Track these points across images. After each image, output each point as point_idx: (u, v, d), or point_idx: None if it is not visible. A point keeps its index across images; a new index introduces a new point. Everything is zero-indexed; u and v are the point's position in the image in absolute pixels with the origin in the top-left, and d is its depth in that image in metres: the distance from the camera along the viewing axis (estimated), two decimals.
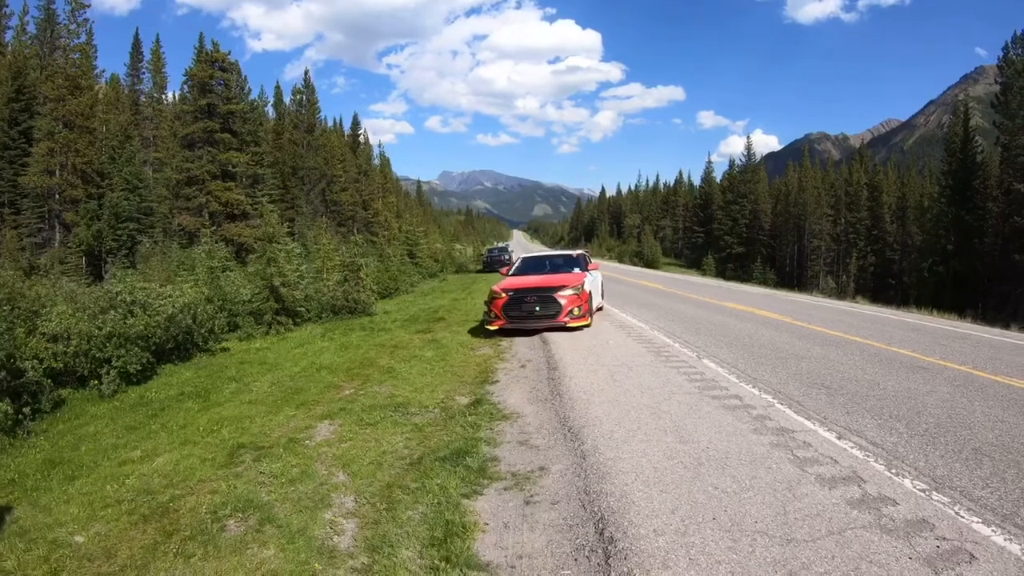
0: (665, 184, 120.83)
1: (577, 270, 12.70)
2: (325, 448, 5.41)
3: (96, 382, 8.73)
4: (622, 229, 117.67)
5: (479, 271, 41.16)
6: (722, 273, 65.99)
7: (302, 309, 15.09)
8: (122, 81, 48.00)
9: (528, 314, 10.75)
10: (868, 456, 4.41)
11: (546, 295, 10.83)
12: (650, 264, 76.08)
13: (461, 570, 3.25)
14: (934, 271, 45.90)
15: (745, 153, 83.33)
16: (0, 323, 7.62)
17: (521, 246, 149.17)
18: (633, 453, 4.66)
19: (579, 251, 15.04)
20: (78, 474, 5.37)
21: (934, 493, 3.76)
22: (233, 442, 5.76)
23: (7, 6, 41.92)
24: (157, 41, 50.28)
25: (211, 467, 5.15)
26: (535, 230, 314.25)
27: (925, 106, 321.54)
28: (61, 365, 8.51)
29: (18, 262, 22.95)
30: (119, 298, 10.13)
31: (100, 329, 9.12)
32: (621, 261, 79.16)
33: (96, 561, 3.68)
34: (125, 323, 9.45)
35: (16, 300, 9.91)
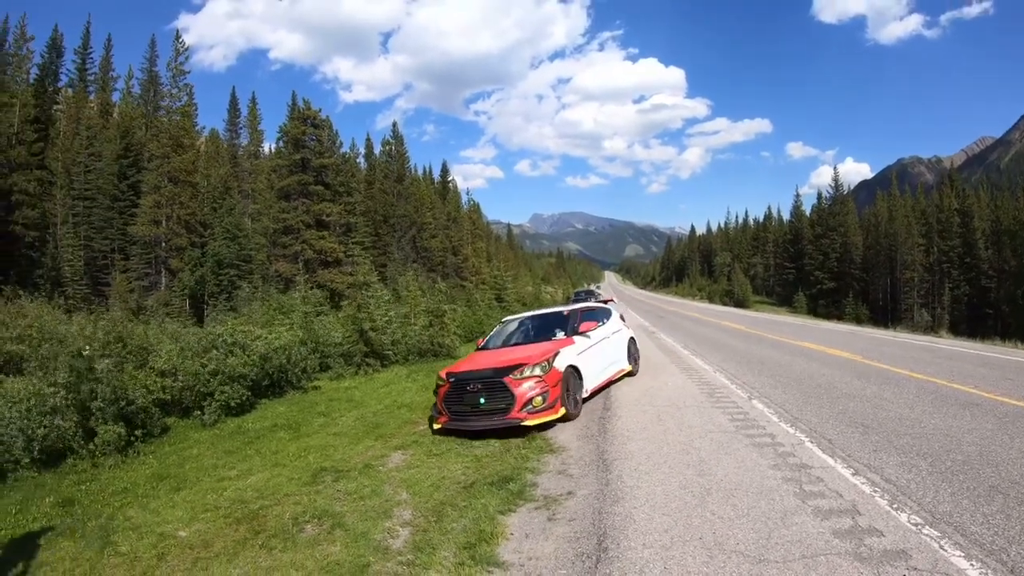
0: (754, 220, 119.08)
1: (559, 334, 9.58)
2: (395, 473, 6.42)
3: (199, 412, 9.91)
4: (713, 268, 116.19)
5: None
6: (813, 310, 64.00)
7: (389, 352, 16.02)
8: (221, 136, 52.65)
9: (472, 408, 7.90)
10: (875, 492, 4.66)
11: (492, 381, 7.88)
12: (740, 304, 74.56)
13: (482, 566, 4.06)
14: None
15: (832, 184, 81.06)
16: (106, 360, 8.68)
17: (612, 287, 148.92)
18: (651, 482, 5.19)
19: (577, 305, 11.89)
20: (182, 486, 6.50)
21: (926, 527, 3.96)
22: (317, 466, 6.78)
23: (113, 69, 47.14)
24: (253, 99, 55.17)
25: (296, 485, 6.18)
26: (626, 271, 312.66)
27: (1019, 120, 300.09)
28: (169, 397, 9.68)
29: (127, 303, 25.58)
30: (220, 339, 11.24)
31: (204, 367, 10.28)
32: (711, 301, 78.05)
33: (196, 549, 4.71)
34: (226, 362, 10.57)
35: (126, 339, 11.34)
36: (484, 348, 10.17)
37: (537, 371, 7.86)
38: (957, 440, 5.89)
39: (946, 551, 3.63)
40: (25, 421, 7.19)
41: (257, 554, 4.54)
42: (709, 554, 3.75)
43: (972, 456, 5.36)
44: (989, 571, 3.37)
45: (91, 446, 7.54)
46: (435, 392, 8.58)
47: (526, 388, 7.70)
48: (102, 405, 7.85)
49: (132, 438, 8.05)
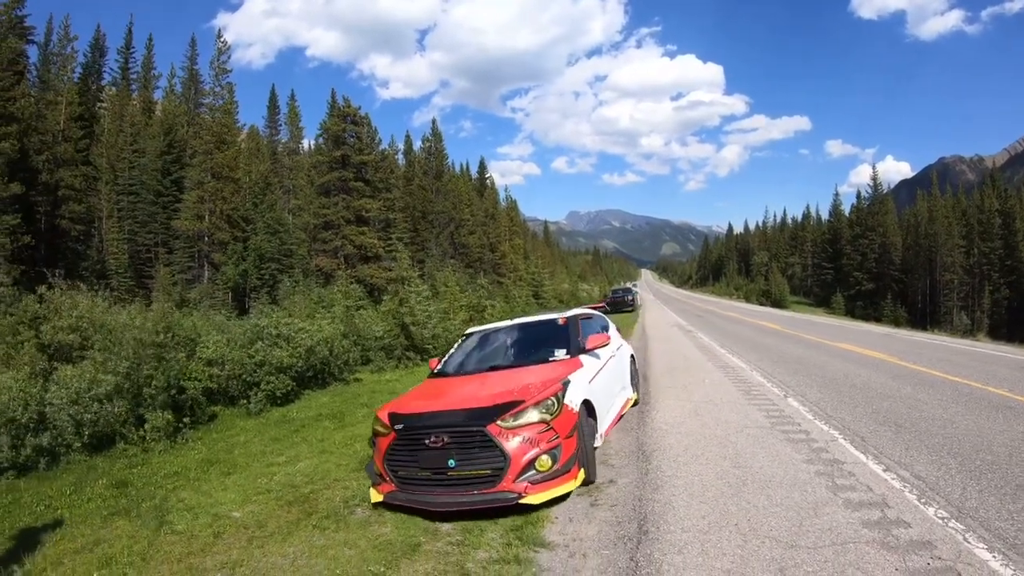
0: (793, 219, 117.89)
1: (559, 353, 6.62)
2: None
3: (245, 401, 10.36)
4: (750, 267, 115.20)
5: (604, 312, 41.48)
6: (851, 311, 63.11)
7: (430, 346, 16.33)
8: (261, 132, 53.92)
9: (434, 474, 5.05)
10: (905, 487, 4.85)
11: (468, 432, 5.04)
12: (777, 304, 73.81)
13: (528, 546, 4.34)
14: None
15: (871, 184, 79.65)
16: (162, 350, 9.16)
17: (649, 286, 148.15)
18: (689, 473, 5.48)
19: (574, 311, 7.97)
20: (232, 471, 6.86)
21: (952, 521, 4.14)
22: (364, 454, 7.00)
23: (155, 67, 48.60)
24: (292, 97, 56.34)
25: (345, 471, 6.48)
26: (663, 269, 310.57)
27: None
28: (216, 386, 10.12)
29: (171, 296, 26.45)
30: (266, 331, 11.68)
31: (251, 357, 10.75)
32: (748, 301, 77.45)
33: (250, 529, 5.01)
34: (272, 353, 11.01)
35: (174, 329, 11.87)
36: (443, 373, 7.06)
37: (540, 413, 5.06)
38: (988, 441, 6.00)
39: (970, 543, 3.81)
40: (76, 407, 7.55)
41: (311, 534, 4.80)
42: (744, 538, 4.03)
43: (1002, 456, 5.48)
44: (1011, 563, 3.53)
45: (141, 432, 7.95)
46: (371, 443, 5.80)
47: (524, 442, 4.90)
48: (154, 392, 8.29)
49: (181, 425, 8.49)
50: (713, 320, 30.50)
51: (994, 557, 3.62)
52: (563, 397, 5.27)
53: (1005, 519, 4.15)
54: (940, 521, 4.18)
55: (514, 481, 4.81)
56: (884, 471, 5.28)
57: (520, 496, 4.78)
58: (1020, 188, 76.35)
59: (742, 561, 3.74)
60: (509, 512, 4.86)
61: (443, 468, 4.98)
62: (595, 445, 5.92)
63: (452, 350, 7.69)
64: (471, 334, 8.04)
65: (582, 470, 5.25)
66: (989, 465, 5.28)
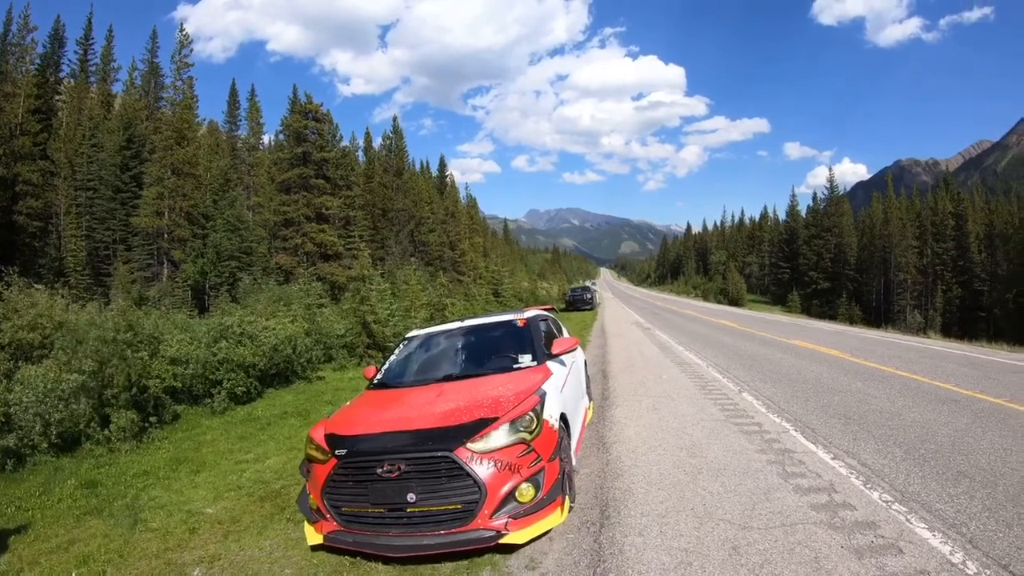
0: (751, 219, 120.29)
1: (524, 360, 5.76)
2: None
3: (209, 400, 10.25)
4: (708, 266, 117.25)
5: (561, 310, 41.80)
6: (807, 310, 64.73)
7: (391, 344, 16.28)
8: (221, 127, 52.89)
9: (390, 510, 4.10)
10: (851, 473, 5.08)
11: (429, 459, 4.13)
12: (735, 302, 75.24)
13: None
14: (1018, 302, 43.40)
15: (828, 185, 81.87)
16: (127, 349, 8.96)
17: (608, 284, 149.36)
18: (647, 462, 5.66)
19: (530, 313, 7.07)
20: (201, 469, 6.85)
21: (895, 504, 4.36)
22: None
23: (114, 60, 47.36)
24: (253, 92, 55.42)
25: None
26: (622, 267, 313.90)
27: (1016, 124, 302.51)
28: (180, 384, 9.99)
29: (130, 294, 25.85)
30: (230, 330, 11.58)
31: (214, 355, 10.64)
32: (706, 299, 78.64)
33: (225, 524, 5.05)
34: (235, 351, 10.92)
35: (136, 328, 11.65)
36: (384, 384, 5.96)
37: (518, 432, 4.23)
38: (933, 432, 6.28)
39: (912, 524, 4.03)
40: (42, 406, 7.42)
41: (286, 527, 4.88)
42: (699, 521, 4.21)
43: (945, 446, 5.75)
44: (949, 541, 3.75)
45: (106, 432, 7.85)
46: (303, 470, 4.81)
47: (502, 469, 4.07)
48: (117, 391, 8.19)
49: (146, 424, 8.39)
50: (671, 318, 30.99)
51: (934, 535, 3.85)
52: (542, 412, 4.44)
53: (945, 501, 4.39)
54: (884, 504, 4.39)
55: (491, 517, 3.97)
56: (832, 459, 5.52)
57: (500, 535, 3.96)
58: (973, 191, 79.42)
59: (698, 541, 3.91)
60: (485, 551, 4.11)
61: (401, 504, 4.03)
62: (572, 466, 5.13)
63: (392, 356, 6.51)
64: (413, 337, 6.88)
65: (567, 498, 4.49)
66: (932, 454, 5.54)
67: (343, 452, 4.28)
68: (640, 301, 61.92)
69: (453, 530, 3.96)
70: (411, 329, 8.36)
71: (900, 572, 3.41)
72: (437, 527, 3.99)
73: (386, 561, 4.08)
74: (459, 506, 3.98)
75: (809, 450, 5.84)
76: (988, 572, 3.38)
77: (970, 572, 3.38)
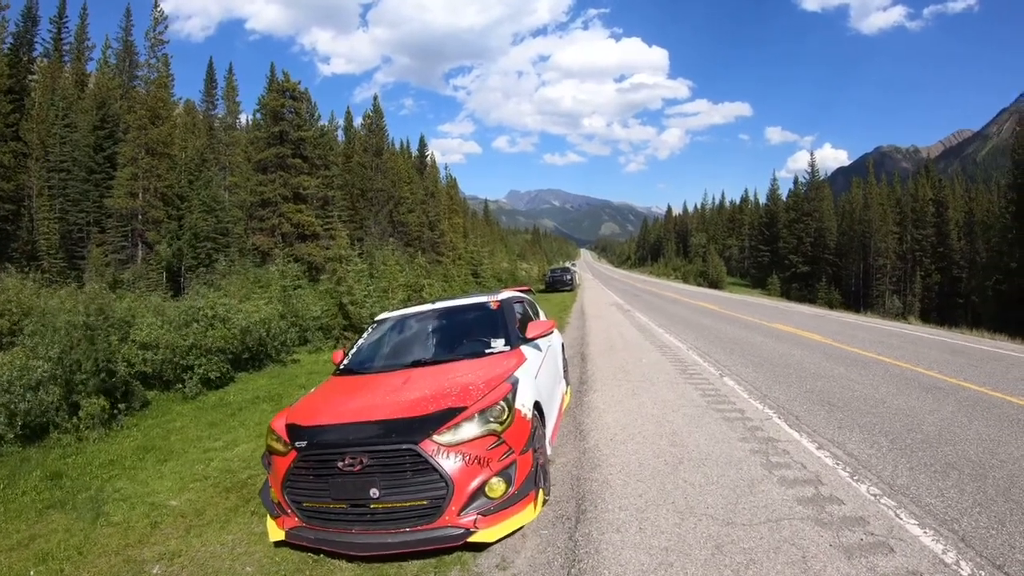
0: (731, 202, 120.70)
1: (496, 345, 5.48)
2: None
3: (180, 385, 9.92)
4: (688, 248, 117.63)
5: (540, 291, 41.51)
6: (787, 293, 65.16)
7: (367, 326, 15.97)
8: (197, 107, 51.73)
9: (352, 506, 3.86)
10: (838, 464, 4.91)
11: (393, 452, 3.84)
12: (714, 284, 75.55)
13: None
14: (997, 290, 43.98)
15: (809, 170, 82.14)
16: (98, 333, 8.67)
17: (588, 265, 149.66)
18: (626, 451, 5.44)
19: (503, 295, 6.68)
20: (169, 458, 6.57)
21: (884, 498, 4.20)
22: None
23: (88, 39, 45.98)
24: (230, 71, 54.21)
25: None
26: (602, 249, 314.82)
27: (997, 115, 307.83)
28: (150, 370, 9.72)
29: (103, 276, 25.28)
30: (201, 312, 11.21)
31: (185, 340, 10.27)
32: (686, 281, 78.86)
33: (188, 517, 4.82)
34: (206, 335, 10.57)
35: (107, 311, 11.27)
36: (351, 369, 5.77)
37: (488, 423, 3.99)
38: (919, 421, 6.14)
39: (901, 519, 3.86)
40: (8, 396, 7.14)
41: (249, 520, 4.66)
42: (681, 516, 4.00)
43: (931, 436, 5.61)
44: (941, 539, 3.59)
45: (75, 420, 7.55)
46: (264, 462, 4.52)
47: (470, 462, 3.84)
48: (85, 377, 7.84)
49: (115, 411, 8.09)
50: (651, 300, 30.81)
51: (925, 532, 3.68)
52: (514, 401, 4.19)
53: (935, 496, 4.23)
54: (872, 498, 4.23)
55: (460, 513, 3.75)
56: (817, 449, 5.34)
57: (469, 532, 3.74)
58: (954, 179, 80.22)
59: (679, 539, 3.71)
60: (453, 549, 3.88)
61: (363, 499, 3.81)
62: (547, 457, 4.87)
63: (360, 340, 6.23)
64: (382, 320, 6.60)
65: (540, 492, 4.26)
66: (919, 444, 5.39)
67: (303, 444, 4.03)
68: (620, 283, 61.83)
69: (419, 528, 3.74)
70: (387, 311, 8.03)
71: (892, 574, 3.23)
72: (402, 524, 3.76)
73: (350, 559, 3.87)
74: (425, 502, 3.75)
75: (793, 439, 5.66)
76: (983, 574, 3.21)
77: (964, 574, 3.21)
